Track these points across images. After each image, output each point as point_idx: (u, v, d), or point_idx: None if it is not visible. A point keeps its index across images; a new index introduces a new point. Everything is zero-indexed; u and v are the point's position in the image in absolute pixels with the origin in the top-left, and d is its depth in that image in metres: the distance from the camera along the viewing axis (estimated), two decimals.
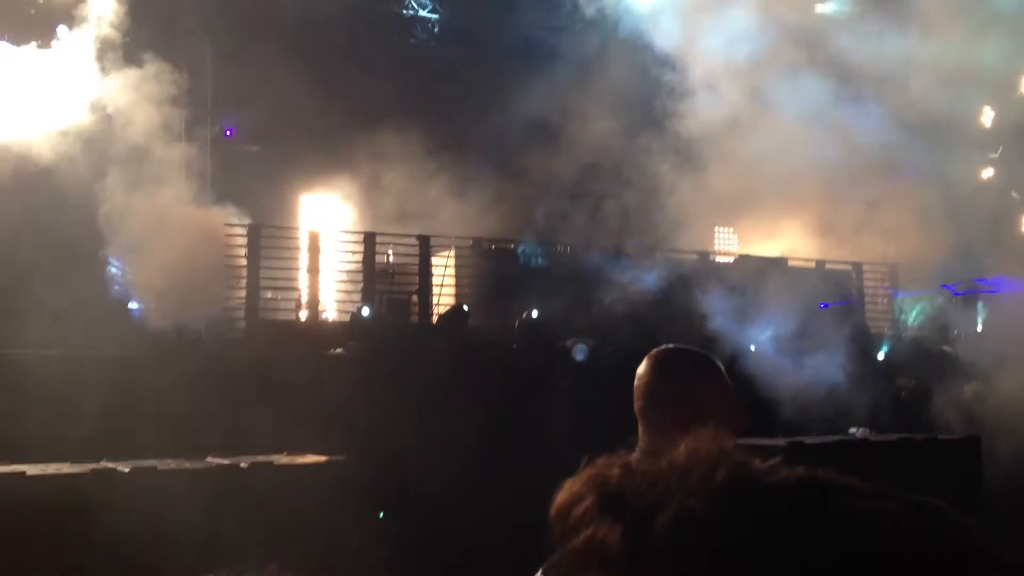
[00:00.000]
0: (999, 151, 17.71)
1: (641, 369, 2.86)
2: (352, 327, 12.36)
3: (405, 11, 14.68)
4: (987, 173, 17.52)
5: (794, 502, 0.86)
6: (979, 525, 0.89)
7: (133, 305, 11.50)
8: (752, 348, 11.80)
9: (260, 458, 8.05)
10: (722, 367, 2.84)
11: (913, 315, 14.95)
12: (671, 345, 2.91)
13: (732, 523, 0.84)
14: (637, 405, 2.84)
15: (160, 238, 11.58)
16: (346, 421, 9.77)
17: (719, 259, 15.53)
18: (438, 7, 14.64)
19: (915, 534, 0.85)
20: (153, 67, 11.78)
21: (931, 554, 0.84)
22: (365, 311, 12.72)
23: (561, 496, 0.93)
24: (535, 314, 12.89)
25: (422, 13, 14.73)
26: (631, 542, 0.86)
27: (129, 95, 11.72)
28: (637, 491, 0.89)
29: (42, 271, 9.71)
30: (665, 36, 12.99)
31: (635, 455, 0.94)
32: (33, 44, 11.54)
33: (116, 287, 11.47)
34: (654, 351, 2.88)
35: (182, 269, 11.97)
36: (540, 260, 13.51)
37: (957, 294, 14.92)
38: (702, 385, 2.78)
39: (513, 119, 12.77)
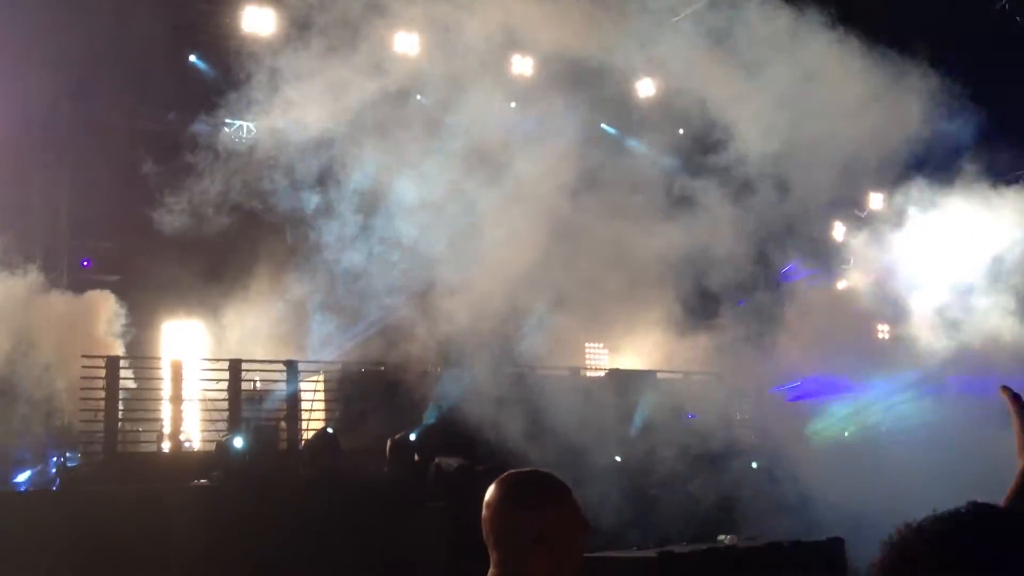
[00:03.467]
0: (851, 262, 18.63)
1: (488, 496, 2.80)
2: (218, 456, 12.04)
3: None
4: (842, 284, 18.38)
5: None
6: None
7: None
8: (618, 459, 11.93)
9: None
10: (567, 488, 2.81)
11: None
12: (516, 471, 2.92)
13: None
14: (485, 531, 2.78)
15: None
16: (212, 553, 9.47)
17: (590, 374, 15.75)
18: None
19: None
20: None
21: None
22: (237, 441, 12.41)
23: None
24: (412, 436, 12.77)
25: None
26: None
27: None
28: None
29: None
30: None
31: None
32: None
33: None
34: (501, 477, 2.83)
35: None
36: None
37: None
38: (546, 509, 2.76)
39: (378, 238, 12.89)
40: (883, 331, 17.20)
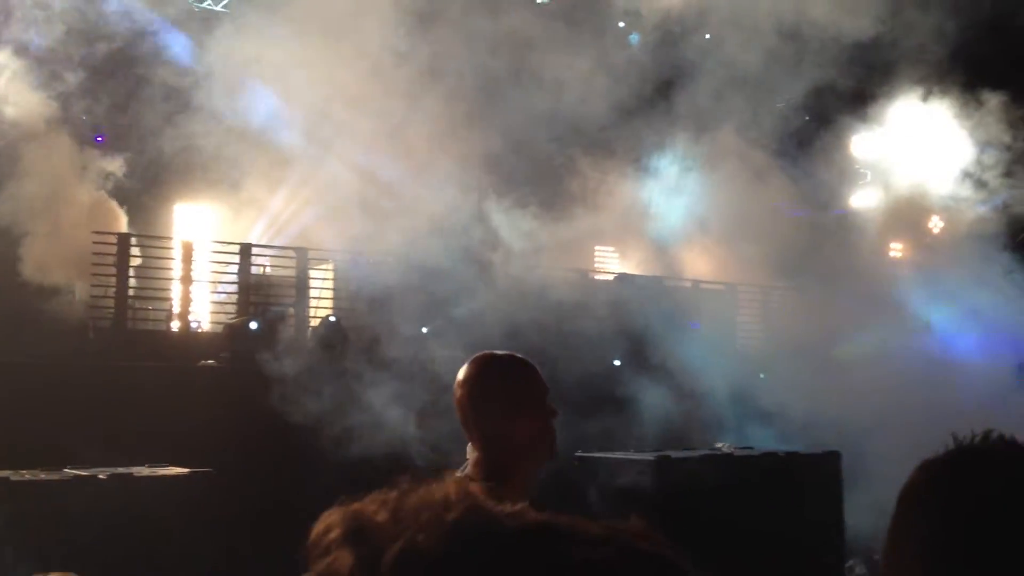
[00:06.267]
0: (868, 177, 18.39)
1: (462, 376, 2.92)
2: (226, 338, 12.14)
3: None
4: (856, 200, 18.15)
5: (519, 546, 0.91)
6: (695, 571, 0.95)
7: None
8: (616, 363, 11.99)
9: (120, 470, 7.82)
10: (533, 365, 2.93)
11: None
12: (485, 352, 2.98)
13: (455, 562, 0.89)
14: (463, 411, 2.90)
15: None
16: (214, 434, 9.61)
17: (598, 277, 15.74)
18: None
19: None
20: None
21: None
22: (245, 324, 12.49)
23: (318, 524, 0.99)
24: (423, 330, 12.77)
25: None
26: (359, 572, 0.92)
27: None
28: (379, 526, 0.95)
29: None
30: None
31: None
32: None
33: None
34: (473, 358, 2.94)
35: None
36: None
37: None
38: (521, 381, 2.90)
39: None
40: (896, 250, 17.10)
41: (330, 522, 0.98)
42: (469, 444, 2.91)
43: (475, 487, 1.00)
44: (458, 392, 2.89)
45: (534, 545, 0.91)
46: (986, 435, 1.42)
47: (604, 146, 13.66)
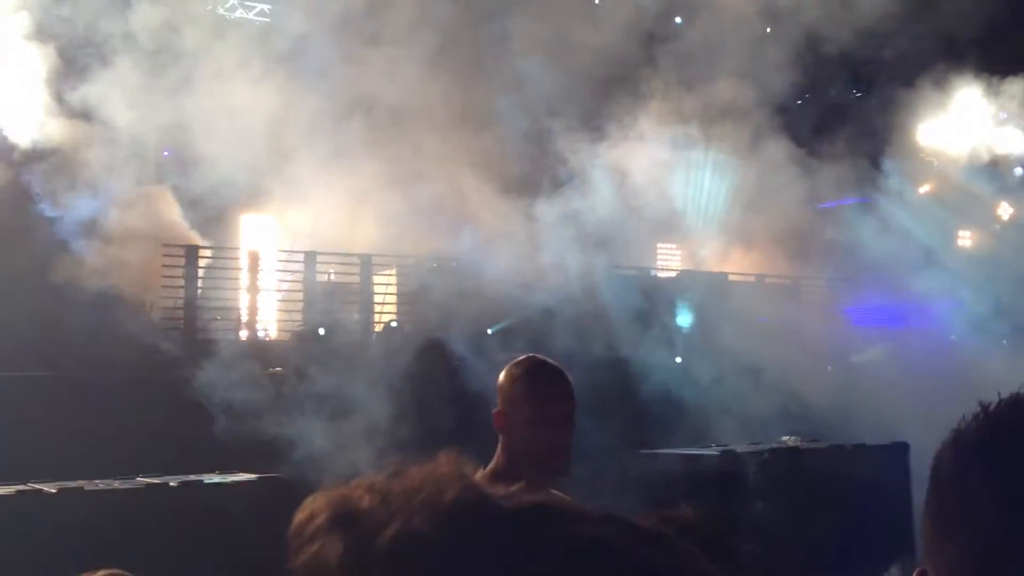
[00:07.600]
0: (935, 165, 18.04)
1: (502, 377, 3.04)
2: (293, 346, 12.34)
3: None
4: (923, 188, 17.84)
5: (518, 526, 0.89)
6: (704, 558, 0.91)
7: None
8: (678, 360, 11.94)
9: (191, 477, 8.01)
10: (555, 378, 3.00)
11: None
12: (517, 359, 3.09)
13: (452, 543, 0.87)
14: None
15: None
16: (285, 439, 9.78)
17: (661, 274, 15.70)
18: None
19: (631, 562, 0.88)
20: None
21: None
22: (312, 332, 12.70)
23: (299, 513, 0.94)
24: (488, 331, 12.86)
25: None
26: (351, 558, 0.88)
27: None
28: (369, 510, 0.90)
29: None
30: None
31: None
32: None
33: None
34: (516, 362, 3.06)
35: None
36: None
37: None
38: (518, 392, 2.98)
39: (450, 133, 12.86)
40: (964, 238, 16.76)
41: (314, 508, 0.92)
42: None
43: (466, 466, 0.97)
44: (500, 392, 3.01)
45: (533, 524, 0.89)
46: (1015, 400, 1.23)
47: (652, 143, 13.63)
